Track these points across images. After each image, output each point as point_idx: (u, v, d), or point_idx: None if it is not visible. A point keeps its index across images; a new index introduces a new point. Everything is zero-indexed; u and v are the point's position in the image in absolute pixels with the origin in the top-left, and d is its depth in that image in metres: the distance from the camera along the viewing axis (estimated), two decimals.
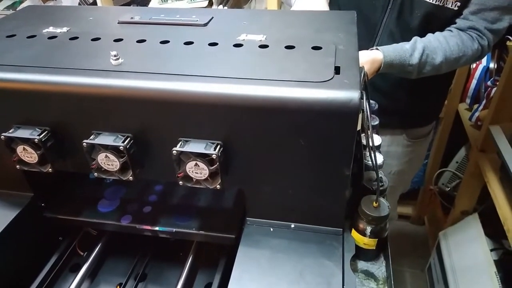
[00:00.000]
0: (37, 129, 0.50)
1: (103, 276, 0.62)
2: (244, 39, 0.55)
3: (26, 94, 0.48)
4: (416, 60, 0.79)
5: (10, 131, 0.49)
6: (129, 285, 0.59)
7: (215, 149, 0.46)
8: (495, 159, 1.10)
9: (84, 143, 0.47)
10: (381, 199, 0.50)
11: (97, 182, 0.66)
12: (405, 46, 0.80)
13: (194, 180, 0.48)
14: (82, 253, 0.65)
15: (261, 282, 0.47)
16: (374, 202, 0.50)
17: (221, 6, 1.10)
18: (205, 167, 0.46)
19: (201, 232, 0.56)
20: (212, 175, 0.47)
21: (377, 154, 0.59)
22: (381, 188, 0.50)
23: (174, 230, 0.56)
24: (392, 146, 1.06)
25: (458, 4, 0.81)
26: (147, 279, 0.61)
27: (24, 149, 0.50)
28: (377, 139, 0.62)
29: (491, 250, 1.11)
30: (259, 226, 0.53)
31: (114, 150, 0.47)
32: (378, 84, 0.94)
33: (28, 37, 0.57)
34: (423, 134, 1.07)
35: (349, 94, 0.41)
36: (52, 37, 0.58)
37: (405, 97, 0.97)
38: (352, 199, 0.53)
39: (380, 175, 0.53)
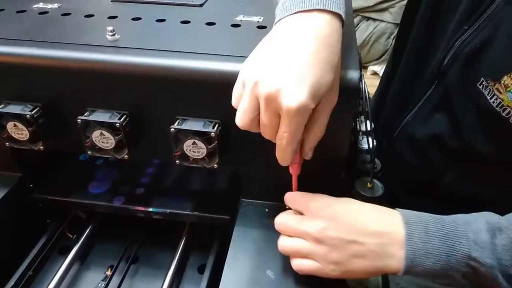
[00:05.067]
0: (28, 105, 0.48)
1: (94, 258, 0.61)
2: (241, 20, 0.54)
3: (17, 69, 0.47)
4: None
5: (0, 107, 0.48)
6: (121, 267, 0.59)
7: (213, 127, 0.45)
8: None
9: (79, 119, 0.46)
10: (375, 180, 0.51)
11: (87, 163, 0.65)
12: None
13: (191, 159, 0.48)
14: (71, 236, 0.64)
15: (256, 260, 0.47)
16: (368, 183, 0.50)
17: None
18: (203, 146, 0.46)
19: (195, 213, 0.56)
20: (210, 154, 0.47)
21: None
22: (374, 170, 0.51)
23: (168, 211, 0.56)
24: None
25: None
26: (138, 262, 0.61)
27: (14, 125, 0.48)
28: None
29: None
30: (254, 207, 0.53)
31: (110, 127, 0.46)
32: None
33: (18, 12, 0.56)
34: None
35: (349, 74, 0.41)
36: (43, 12, 0.56)
37: None
38: (346, 182, 0.53)
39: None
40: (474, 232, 0.40)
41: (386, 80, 0.72)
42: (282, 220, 0.45)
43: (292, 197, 0.47)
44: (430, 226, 0.41)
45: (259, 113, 0.38)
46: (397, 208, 0.43)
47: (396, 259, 0.41)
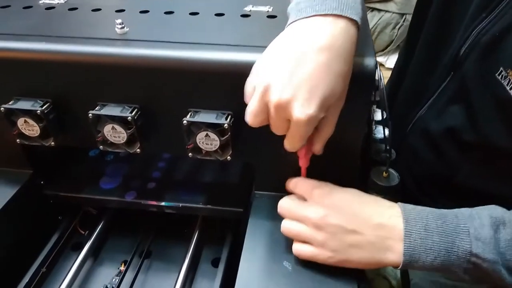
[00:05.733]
0: (39, 100, 0.48)
1: (107, 254, 0.61)
2: (250, 10, 0.53)
3: (26, 64, 0.46)
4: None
5: (10, 103, 0.47)
6: (134, 262, 0.58)
7: (226, 119, 0.45)
8: None
9: (90, 114, 0.46)
10: (391, 169, 0.50)
11: (98, 159, 0.65)
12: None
13: (204, 151, 0.47)
14: (83, 232, 0.63)
15: (273, 252, 0.46)
16: (384, 172, 0.50)
17: None
18: (216, 138, 0.45)
19: (208, 206, 0.55)
20: (223, 147, 0.46)
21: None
22: (390, 160, 0.51)
23: (180, 205, 0.56)
24: None
25: None
26: (152, 256, 0.60)
27: (25, 121, 0.48)
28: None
29: None
30: (268, 199, 0.53)
31: (121, 121, 0.46)
32: None
33: (24, 8, 0.55)
34: None
35: (365, 61, 0.41)
36: (50, 7, 0.55)
37: None
38: (361, 172, 0.53)
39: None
40: (475, 228, 0.40)
41: (398, 74, 0.71)
42: (284, 204, 0.46)
43: (295, 182, 0.47)
44: (430, 222, 0.41)
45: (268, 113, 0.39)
46: (398, 202, 0.43)
47: (394, 253, 0.41)
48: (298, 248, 0.44)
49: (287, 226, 0.45)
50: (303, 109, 0.35)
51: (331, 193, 0.45)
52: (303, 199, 0.46)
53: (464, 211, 0.43)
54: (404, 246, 0.40)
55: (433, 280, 0.70)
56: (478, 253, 0.39)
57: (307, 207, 0.44)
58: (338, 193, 0.45)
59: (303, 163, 0.46)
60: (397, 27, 2.04)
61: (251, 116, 0.39)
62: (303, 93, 0.35)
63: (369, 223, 0.42)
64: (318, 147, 0.43)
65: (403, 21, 2.01)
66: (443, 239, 0.40)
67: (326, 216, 0.42)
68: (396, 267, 0.41)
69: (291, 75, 0.36)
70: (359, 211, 0.43)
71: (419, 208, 0.43)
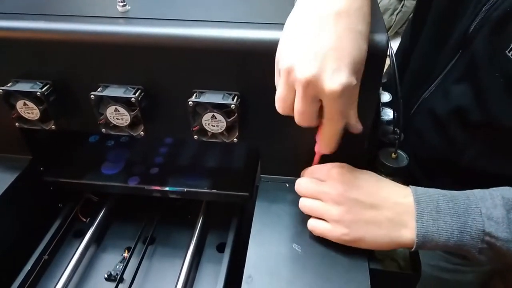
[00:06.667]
0: (38, 82, 0.46)
1: (110, 240, 0.60)
2: None
3: (25, 44, 0.45)
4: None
5: (8, 85, 0.46)
6: (138, 249, 0.57)
7: (233, 99, 0.44)
8: None
9: (92, 95, 0.44)
10: (399, 150, 0.49)
11: (98, 145, 0.63)
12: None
13: (210, 133, 0.46)
14: (84, 220, 0.62)
15: (281, 235, 0.46)
16: (392, 154, 0.49)
17: None
18: (223, 119, 0.44)
19: (213, 191, 0.54)
20: (229, 128, 0.45)
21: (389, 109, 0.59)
22: (398, 140, 0.50)
23: (185, 189, 0.55)
24: None
25: None
26: (156, 242, 0.60)
27: (24, 104, 0.46)
28: (387, 96, 0.61)
29: None
30: (274, 183, 0.52)
31: (125, 102, 0.45)
32: None
33: None
34: None
35: (378, 37, 0.39)
36: None
37: None
38: (368, 153, 0.52)
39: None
40: (487, 208, 0.40)
41: (402, 57, 0.70)
42: (303, 183, 0.46)
43: (311, 170, 0.47)
44: (441, 204, 0.41)
45: None
46: (410, 186, 0.43)
47: (409, 229, 0.40)
48: (313, 224, 0.44)
49: (304, 202, 0.45)
50: (334, 78, 0.33)
51: (350, 171, 0.45)
52: (321, 181, 0.45)
53: (477, 192, 0.42)
54: (417, 227, 0.40)
55: (433, 264, 0.70)
56: (491, 231, 0.39)
57: (326, 184, 0.44)
58: (356, 172, 0.45)
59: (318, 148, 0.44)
60: (395, 12, 2.02)
61: (279, 101, 0.38)
62: (330, 63, 0.33)
63: (388, 200, 0.42)
64: (354, 122, 0.40)
65: (401, 7, 1.99)
66: (455, 220, 0.40)
67: (346, 191, 0.42)
68: (410, 247, 0.40)
69: (314, 48, 0.34)
70: (377, 189, 0.43)
71: (431, 190, 0.43)
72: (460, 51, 0.53)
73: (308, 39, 0.34)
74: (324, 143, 0.41)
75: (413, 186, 0.43)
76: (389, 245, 0.42)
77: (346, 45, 0.34)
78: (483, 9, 0.49)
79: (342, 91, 0.34)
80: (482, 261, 0.41)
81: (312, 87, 0.34)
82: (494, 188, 0.42)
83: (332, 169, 0.45)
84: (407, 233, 0.41)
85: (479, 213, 0.40)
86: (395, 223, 0.41)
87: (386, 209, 0.42)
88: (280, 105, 0.38)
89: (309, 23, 0.35)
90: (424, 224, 0.40)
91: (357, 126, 0.41)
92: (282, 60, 0.36)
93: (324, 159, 0.46)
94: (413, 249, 0.41)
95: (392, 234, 0.41)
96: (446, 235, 0.40)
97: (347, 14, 0.34)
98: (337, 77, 0.33)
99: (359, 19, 0.35)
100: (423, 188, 0.43)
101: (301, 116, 0.37)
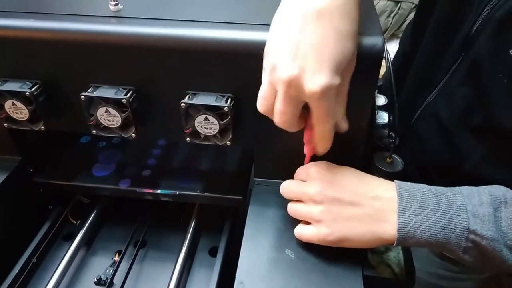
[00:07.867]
0: (27, 82, 0.45)
1: (100, 243, 0.59)
2: None
3: (14, 43, 0.44)
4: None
5: None
6: (129, 252, 0.56)
7: (226, 101, 0.43)
8: None
9: (82, 96, 0.43)
10: (394, 155, 0.49)
11: (90, 146, 0.62)
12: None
13: (203, 136, 0.45)
14: (75, 222, 0.61)
15: (274, 239, 0.45)
16: (387, 158, 0.48)
17: None
18: (216, 122, 0.43)
19: (206, 194, 0.53)
20: (222, 131, 0.45)
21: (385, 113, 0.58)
22: (393, 145, 0.49)
23: (177, 192, 0.54)
24: None
25: None
26: (147, 246, 0.59)
27: (13, 104, 0.45)
28: (382, 99, 0.61)
29: None
30: (268, 186, 0.51)
31: (116, 103, 0.44)
32: None
33: None
34: None
35: (373, 40, 0.39)
36: None
37: None
38: (363, 158, 0.51)
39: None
40: (474, 205, 0.39)
41: (403, 61, 0.69)
42: (285, 184, 0.46)
43: (297, 172, 0.47)
44: (425, 199, 0.40)
45: None
46: (395, 180, 0.43)
47: (391, 224, 0.40)
48: (298, 231, 0.44)
49: (289, 205, 0.45)
50: (314, 80, 0.33)
51: (327, 169, 0.44)
52: (303, 181, 0.45)
53: (464, 189, 0.41)
54: (398, 222, 0.39)
55: (431, 272, 0.70)
56: (476, 229, 0.38)
57: (305, 184, 0.44)
58: (335, 169, 0.44)
59: (308, 150, 0.44)
60: (392, 15, 2.02)
61: (261, 99, 0.37)
62: (311, 63, 0.33)
63: (366, 195, 0.41)
64: (340, 122, 0.40)
65: (398, 9, 2.00)
66: (438, 216, 0.39)
67: (323, 190, 0.42)
68: (391, 243, 0.40)
69: (295, 48, 0.33)
70: (356, 185, 0.42)
71: (416, 185, 0.42)
72: (463, 54, 0.53)
73: (291, 38, 0.34)
74: (316, 143, 0.40)
75: (398, 181, 0.42)
76: (374, 242, 0.41)
77: (327, 45, 0.33)
78: (485, 9, 0.48)
79: (321, 92, 0.33)
80: (467, 262, 0.40)
81: (293, 88, 0.34)
82: (483, 186, 0.41)
83: (310, 167, 0.44)
84: (389, 228, 0.40)
85: (465, 210, 0.39)
86: (376, 219, 0.40)
87: (365, 205, 0.41)
88: (261, 103, 0.37)
89: (291, 21, 0.34)
90: (406, 219, 0.39)
91: (342, 125, 0.40)
92: (266, 57, 0.36)
93: (316, 160, 0.45)
94: (394, 245, 0.40)
95: (374, 230, 0.40)
96: (429, 231, 0.39)
97: (329, 12, 0.33)
98: (317, 78, 0.33)
99: (342, 17, 0.34)
100: (408, 183, 0.42)
101: (281, 116, 0.36)
